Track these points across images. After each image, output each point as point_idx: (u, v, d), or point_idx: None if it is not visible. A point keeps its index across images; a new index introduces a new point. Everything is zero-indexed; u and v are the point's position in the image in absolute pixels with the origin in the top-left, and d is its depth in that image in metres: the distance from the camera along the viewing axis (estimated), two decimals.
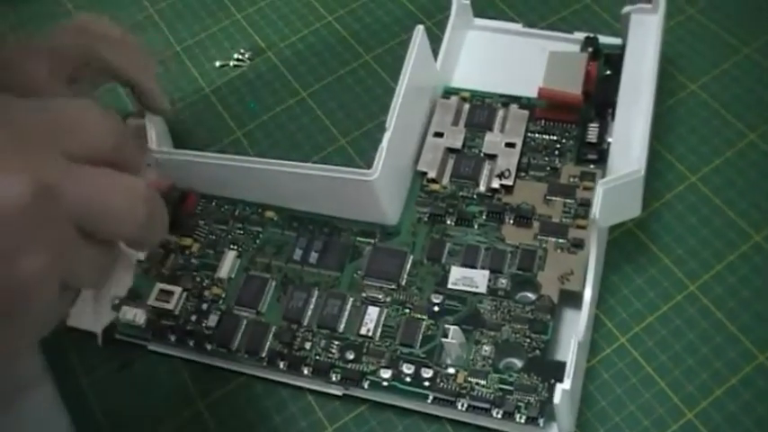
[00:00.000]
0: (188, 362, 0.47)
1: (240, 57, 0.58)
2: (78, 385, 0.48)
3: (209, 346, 0.46)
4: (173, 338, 0.46)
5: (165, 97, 0.50)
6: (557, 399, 0.40)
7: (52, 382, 0.47)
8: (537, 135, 0.50)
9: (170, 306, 0.47)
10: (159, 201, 0.30)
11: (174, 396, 0.46)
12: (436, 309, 0.45)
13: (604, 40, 0.53)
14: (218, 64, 0.59)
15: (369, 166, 0.48)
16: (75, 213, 0.26)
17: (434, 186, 0.49)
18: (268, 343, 0.45)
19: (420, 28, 0.48)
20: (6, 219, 0.24)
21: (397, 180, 0.48)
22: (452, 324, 0.44)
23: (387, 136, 0.46)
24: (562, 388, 0.39)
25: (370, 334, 0.45)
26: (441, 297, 0.45)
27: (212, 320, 0.46)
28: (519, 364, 0.43)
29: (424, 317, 0.45)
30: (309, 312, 0.46)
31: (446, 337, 0.43)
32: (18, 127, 0.26)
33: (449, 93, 0.53)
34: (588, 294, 0.43)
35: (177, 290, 0.47)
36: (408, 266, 0.46)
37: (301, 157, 0.53)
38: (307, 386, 0.45)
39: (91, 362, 0.48)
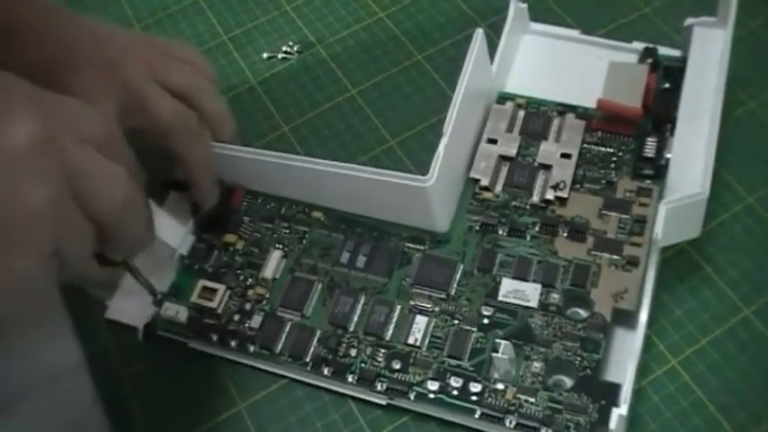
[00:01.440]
0: (229, 362, 0.46)
1: (288, 49, 0.57)
2: (116, 380, 0.46)
3: (251, 348, 0.45)
4: (215, 338, 0.45)
5: (217, 190, 0.48)
6: (613, 424, 0.38)
7: (89, 376, 0.46)
8: (593, 147, 0.49)
9: (213, 304, 0.46)
10: (140, 195, 0.33)
11: (213, 396, 0.45)
12: (486, 321, 0.44)
13: (663, 51, 0.52)
14: (265, 56, 0.57)
15: (419, 169, 0.47)
16: (67, 175, 0.29)
17: (487, 194, 0.48)
18: (312, 347, 0.44)
19: (479, 32, 0.47)
20: (17, 150, 0.28)
21: (449, 187, 0.47)
22: (502, 338, 0.43)
23: (443, 141, 0.45)
24: (618, 413, 0.38)
25: (417, 344, 0.43)
26: (491, 309, 0.44)
27: (256, 321, 0.45)
28: (569, 382, 0.42)
29: (473, 329, 0.44)
30: (356, 318, 0.45)
31: (496, 351, 0.42)
32: (37, 91, 0.30)
33: (503, 98, 0.51)
34: (645, 316, 0.42)
35: (220, 288, 0.46)
36: (458, 276, 0.45)
37: (348, 157, 0.52)
38: (350, 393, 0.44)
39: (130, 357, 0.47)
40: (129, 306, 0.47)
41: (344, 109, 0.54)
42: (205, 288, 0.46)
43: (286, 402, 0.45)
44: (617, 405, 0.40)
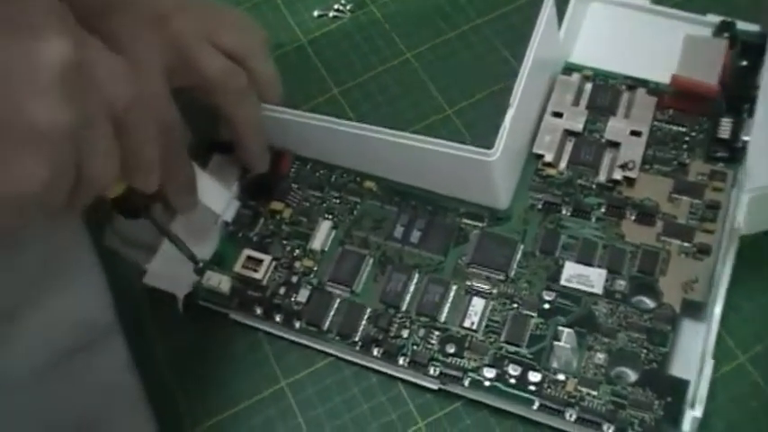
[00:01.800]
0: (272, 336, 0.44)
1: (341, 8, 0.54)
2: (152, 350, 0.44)
3: (297, 323, 0.43)
4: (259, 311, 0.43)
5: (267, 155, 0.46)
6: (686, 426, 0.36)
7: (123, 340, 0.44)
8: (664, 125, 0.46)
9: (258, 275, 0.43)
10: (183, 151, 0.37)
11: (254, 371, 0.43)
12: (547, 306, 0.41)
13: (741, 26, 0.48)
14: (316, 14, 0.54)
15: (476, 140, 0.45)
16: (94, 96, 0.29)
17: (550, 171, 0.45)
18: (362, 326, 0.42)
19: None
20: (45, 68, 0.27)
21: (512, 161, 0.44)
22: (564, 325, 0.40)
23: (509, 113, 0.42)
24: (693, 415, 0.36)
25: (473, 327, 0.41)
26: (552, 294, 0.41)
27: (302, 295, 0.43)
28: (633, 376, 0.39)
29: (533, 314, 0.41)
30: (408, 297, 0.42)
31: (558, 339, 0.39)
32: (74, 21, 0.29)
33: (569, 69, 0.48)
34: (718, 309, 0.39)
35: (266, 258, 0.44)
36: (518, 257, 0.43)
37: (402, 124, 0.49)
38: (400, 376, 0.41)
39: (167, 326, 0.45)
40: (169, 272, 0.45)
41: (399, 73, 0.51)
42: (250, 258, 0.44)
43: (332, 382, 0.42)
44: (684, 402, 0.38)
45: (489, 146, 0.41)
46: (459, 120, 0.49)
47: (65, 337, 0.42)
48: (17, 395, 0.41)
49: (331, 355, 0.43)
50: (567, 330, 0.40)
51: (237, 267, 0.44)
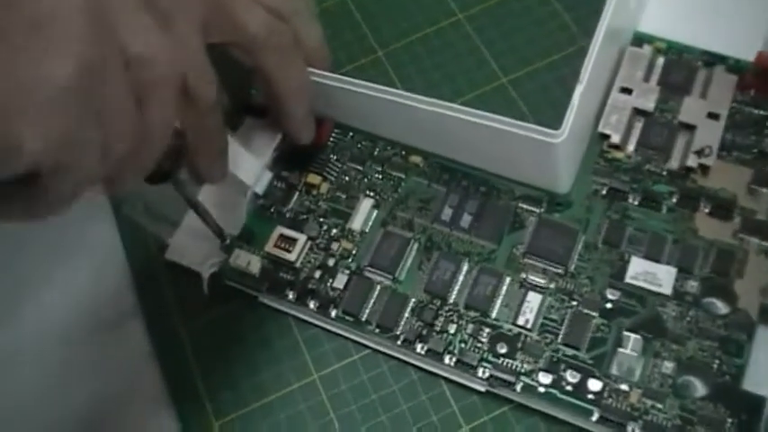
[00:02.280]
0: (305, 323, 0.40)
1: None
2: (174, 333, 0.41)
3: (333, 312, 0.39)
4: (290, 296, 0.39)
5: (312, 122, 0.41)
6: None
7: (143, 326, 0.41)
8: (744, 107, 0.41)
9: (291, 257, 0.40)
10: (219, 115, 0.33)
11: (284, 360, 0.40)
12: (609, 306, 0.37)
13: None
14: None
15: (536, 115, 0.42)
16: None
17: (617, 154, 0.41)
18: (404, 319, 0.38)
19: None
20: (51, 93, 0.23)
21: (577, 142, 0.39)
22: (628, 328, 0.36)
23: (578, 90, 0.37)
24: None
25: (528, 326, 0.37)
26: (616, 293, 0.37)
27: (340, 281, 0.39)
28: (702, 389, 0.35)
29: (594, 314, 0.37)
30: (457, 288, 0.39)
31: (622, 344, 0.36)
32: None
33: (640, 40, 0.43)
34: None
35: (300, 238, 0.40)
36: (579, 249, 0.39)
37: (452, 92, 0.45)
38: (444, 374, 0.38)
39: (190, 306, 0.41)
40: (193, 248, 0.41)
41: (449, 35, 0.47)
42: (283, 237, 0.40)
43: (368, 377, 0.39)
44: (760, 421, 0.34)
45: (553, 125, 0.37)
46: (515, 91, 0.45)
47: (80, 318, 0.38)
48: (30, 376, 0.38)
49: (368, 346, 0.39)
50: (633, 336, 0.36)
51: (269, 246, 0.40)
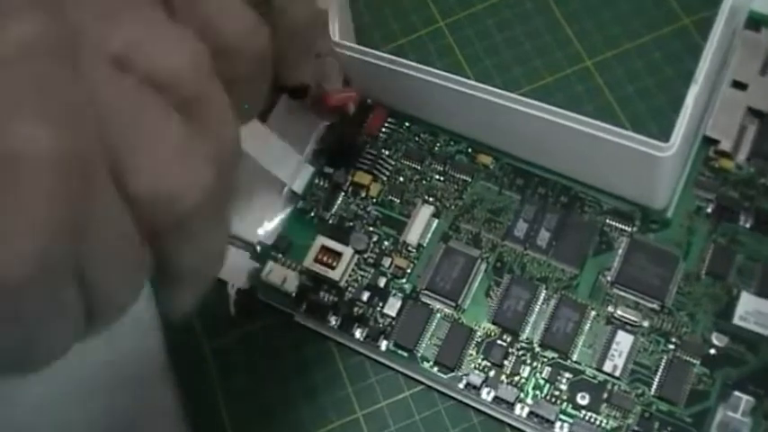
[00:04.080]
0: (348, 349, 0.34)
1: None
2: (196, 351, 0.35)
3: (383, 343, 0.33)
4: (333, 321, 0.33)
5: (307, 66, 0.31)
6: None
7: (161, 341, 0.34)
8: None
9: (334, 275, 0.33)
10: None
11: (322, 392, 0.34)
12: (713, 352, 0.31)
13: None
14: None
15: (625, 106, 0.36)
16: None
17: (725, 163, 0.34)
18: (468, 356, 0.32)
19: None
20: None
21: (683, 152, 0.32)
22: (736, 382, 0.30)
23: (693, 92, 0.30)
24: None
25: (616, 373, 0.31)
26: (723, 338, 0.31)
27: (392, 306, 0.33)
28: None
29: (695, 361, 0.31)
30: (531, 321, 0.33)
31: (728, 402, 0.29)
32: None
33: (755, 22, 0.36)
34: None
35: (346, 252, 0.34)
36: (678, 279, 0.32)
37: (527, 75, 0.38)
38: (515, 424, 0.31)
39: (215, 320, 0.35)
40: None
41: (526, 6, 0.39)
42: (325, 249, 0.34)
43: (421, 417, 0.33)
44: None
45: (652, 124, 0.32)
46: (599, 74, 0.37)
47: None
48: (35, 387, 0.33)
49: (421, 382, 0.33)
50: (744, 398, 0.29)
51: (308, 261, 0.34)
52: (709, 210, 0.33)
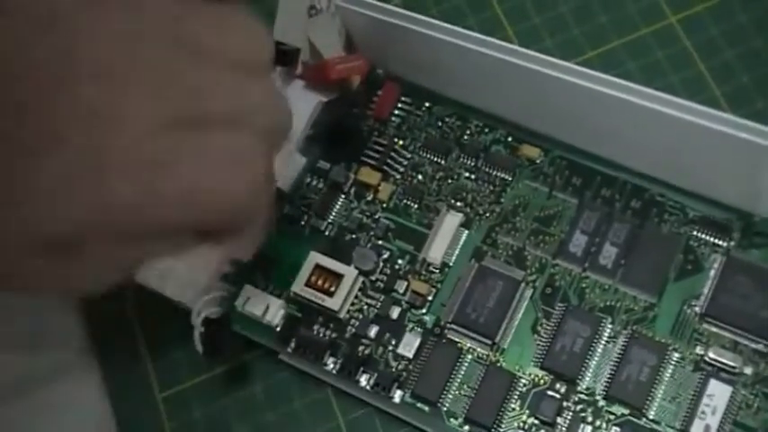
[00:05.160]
0: (349, 399, 0.33)
1: None
2: (150, 402, 0.34)
3: (396, 394, 0.32)
4: (331, 365, 0.32)
5: None
6: None
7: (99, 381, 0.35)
8: None
9: (333, 305, 0.32)
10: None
11: None
12: None
13: None
14: None
15: (723, 81, 0.35)
16: None
17: None
18: (510, 412, 0.31)
19: None
20: None
21: None
22: None
23: None
24: None
25: None
26: None
27: (407, 345, 0.33)
28: None
29: None
30: (593, 366, 0.32)
31: None
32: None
33: None
34: None
35: (349, 273, 0.33)
36: None
37: (589, 36, 0.37)
38: None
39: (173, 359, 0.35)
40: (180, 270, 0.34)
41: None
42: (320, 269, 0.33)
43: None
44: None
45: (754, 111, 0.31)
46: (689, 38, 0.36)
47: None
48: None
49: None
50: None
51: (298, 285, 0.33)
52: None
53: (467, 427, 0.31)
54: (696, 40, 0.36)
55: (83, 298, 0.36)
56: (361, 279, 0.33)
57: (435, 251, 0.33)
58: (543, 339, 0.32)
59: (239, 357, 0.35)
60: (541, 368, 0.31)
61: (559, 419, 0.31)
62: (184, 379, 0.35)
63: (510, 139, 0.35)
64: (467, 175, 0.35)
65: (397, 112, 0.36)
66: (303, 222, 0.35)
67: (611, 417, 0.31)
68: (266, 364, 0.34)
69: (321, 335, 0.33)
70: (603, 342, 0.32)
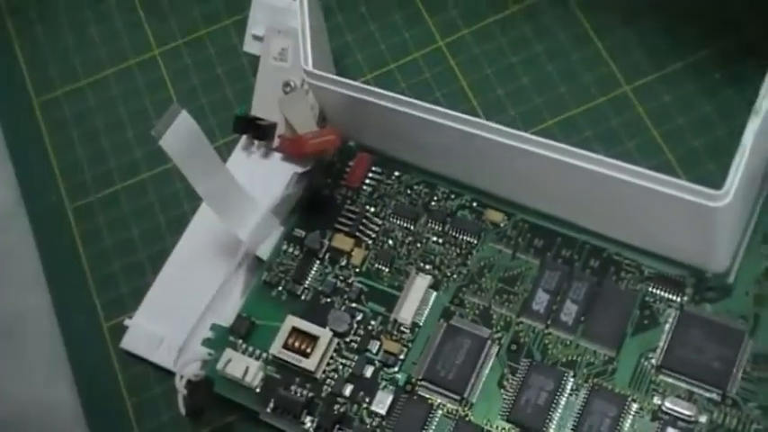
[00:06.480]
0: None
1: None
2: None
3: None
4: (309, 423, 0.35)
5: None
6: None
7: None
8: None
9: (309, 365, 0.35)
10: None
11: None
12: None
13: None
14: None
15: (670, 140, 0.38)
16: None
17: None
18: None
19: None
20: None
21: (743, 199, 0.33)
22: None
23: (753, 126, 0.31)
24: None
25: None
26: None
27: (381, 401, 0.35)
28: None
29: None
30: (557, 418, 0.33)
31: None
32: None
33: None
34: None
35: (324, 335, 0.35)
36: (745, 362, 0.33)
37: (549, 105, 0.40)
38: None
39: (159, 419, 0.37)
40: (161, 332, 0.38)
41: (545, 18, 0.41)
42: (297, 332, 0.36)
43: None
44: None
45: (707, 174, 0.33)
46: (642, 105, 0.39)
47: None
48: None
49: None
50: None
51: (276, 347, 0.35)
52: None
53: None
54: (649, 108, 0.38)
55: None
56: (336, 340, 0.35)
57: (406, 312, 0.35)
58: (509, 393, 0.33)
59: (222, 419, 0.36)
60: (508, 421, 0.33)
61: None
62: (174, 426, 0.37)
63: (475, 204, 0.37)
64: (435, 239, 0.37)
65: (368, 181, 0.38)
66: (281, 288, 0.37)
67: None
68: (248, 425, 0.36)
69: (298, 394, 0.35)
70: (566, 395, 0.33)
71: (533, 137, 0.33)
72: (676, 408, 0.32)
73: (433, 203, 0.37)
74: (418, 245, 0.37)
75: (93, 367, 0.39)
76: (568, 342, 0.34)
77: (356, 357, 0.35)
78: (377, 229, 0.37)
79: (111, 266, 0.40)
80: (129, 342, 0.38)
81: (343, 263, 0.37)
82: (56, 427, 0.37)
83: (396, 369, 0.35)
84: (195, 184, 0.34)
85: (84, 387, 0.38)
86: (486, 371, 0.34)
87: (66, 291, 0.40)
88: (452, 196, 0.37)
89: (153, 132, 0.32)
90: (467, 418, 0.34)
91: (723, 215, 0.31)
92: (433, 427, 0.34)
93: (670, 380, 0.33)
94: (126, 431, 0.37)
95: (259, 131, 0.39)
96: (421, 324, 0.35)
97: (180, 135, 0.33)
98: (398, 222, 0.37)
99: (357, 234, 0.37)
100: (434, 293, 0.36)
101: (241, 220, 0.36)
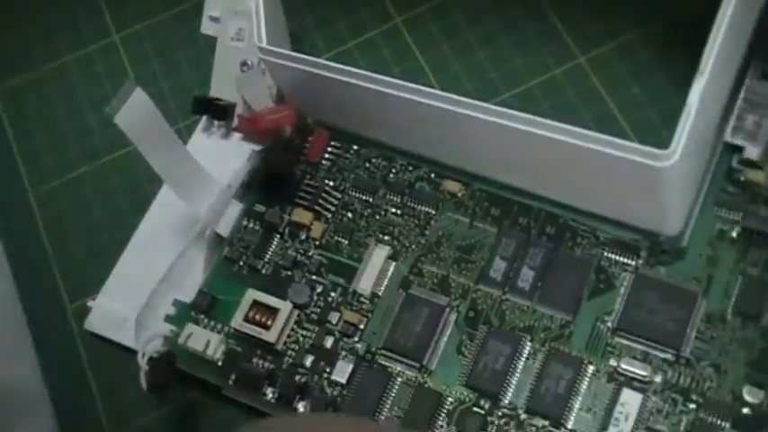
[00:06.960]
0: None
1: None
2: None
3: None
4: (270, 394, 0.35)
5: None
6: None
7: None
8: None
9: (269, 336, 0.36)
10: None
11: None
12: (746, 411, 0.32)
13: None
14: None
15: (626, 112, 0.38)
16: None
17: (753, 175, 0.36)
18: (439, 429, 0.34)
19: None
20: None
21: (694, 161, 0.34)
22: None
23: (698, 85, 0.31)
24: None
25: None
26: (759, 393, 0.32)
27: (341, 371, 0.36)
28: None
29: (724, 424, 0.32)
30: (515, 382, 0.34)
31: None
32: None
33: None
34: None
35: (285, 307, 0.36)
36: (698, 322, 0.34)
37: (505, 78, 0.41)
38: None
39: (124, 399, 0.38)
40: (124, 312, 0.38)
41: None
42: (257, 305, 0.36)
43: None
44: None
45: (656, 134, 0.35)
46: (597, 77, 0.39)
47: None
48: None
49: None
50: None
51: (237, 320, 0.36)
52: (734, 234, 0.35)
53: None
54: (604, 79, 0.39)
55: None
56: (296, 312, 0.36)
57: (365, 283, 0.36)
58: (467, 359, 0.34)
59: (185, 394, 0.37)
60: (466, 386, 0.34)
61: None
62: (134, 418, 0.38)
63: (432, 175, 0.38)
64: (393, 211, 0.38)
65: (327, 155, 0.39)
66: (242, 263, 0.37)
67: (533, 429, 0.33)
68: (211, 402, 0.37)
69: (260, 366, 0.35)
70: (524, 359, 0.34)
71: (485, 104, 0.33)
72: (631, 368, 0.33)
73: (391, 176, 0.38)
74: (377, 217, 0.38)
75: (58, 349, 0.39)
76: (525, 308, 0.35)
77: (316, 329, 0.36)
78: (336, 202, 0.38)
79: (75, 250, 0.41)
80: (93, 323, 0.39)
81: (303, 236, 0.38)
82: (21, 409, 0.38)
83: (356, 339, 0.36)
84: (151, 161, 0.35)
85: (49, 369, 0.39)
86: (445, 338, 0.35)
87: (30, 275, 0.41)
88: (410, 168, 0.38)
89: (108, 109, 0.33)
90: (426, 385, 0.34)
91: (670, 175, 0.31)
92: (393, 395, 0.34)
93: (625, 342, 0.34)
94: (91, 411, 0.38)
95: (218, 112, 0.40)
96: (380, 294, 0.36)
97: (135, 112, 0.33)
98: (357, 195, 0.38)
99: (316, 208, 0.38)
100: (393, 264, 0.37)
101: (198, 197, 0.37)
